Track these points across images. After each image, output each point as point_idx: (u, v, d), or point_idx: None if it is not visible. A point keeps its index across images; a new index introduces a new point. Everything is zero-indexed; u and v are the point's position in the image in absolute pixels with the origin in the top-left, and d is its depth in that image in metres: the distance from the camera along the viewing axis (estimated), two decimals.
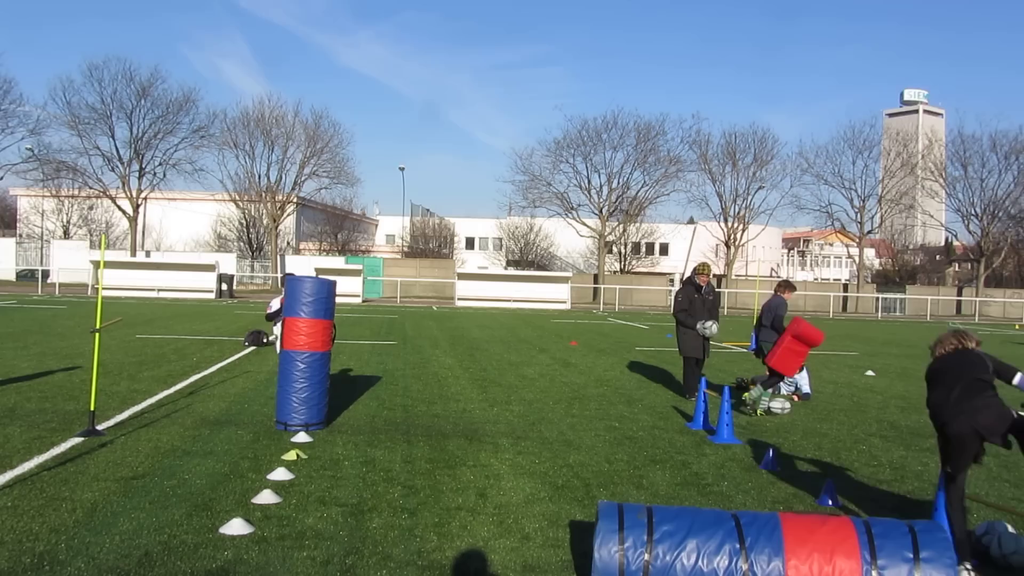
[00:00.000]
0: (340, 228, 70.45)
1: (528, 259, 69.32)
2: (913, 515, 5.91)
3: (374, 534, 5.18)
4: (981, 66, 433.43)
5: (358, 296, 41.65)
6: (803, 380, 11.47)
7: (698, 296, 11.24)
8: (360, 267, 44.67)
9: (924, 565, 3.79)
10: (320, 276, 8.63)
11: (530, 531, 5.35)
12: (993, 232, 57.18)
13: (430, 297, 49.58)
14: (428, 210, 76.61)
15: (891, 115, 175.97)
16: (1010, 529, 5.19)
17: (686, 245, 73.39)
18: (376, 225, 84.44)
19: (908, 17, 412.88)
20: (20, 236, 60.35)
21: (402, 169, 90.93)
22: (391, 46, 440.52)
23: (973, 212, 56.92)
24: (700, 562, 3.92)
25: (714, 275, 60.29)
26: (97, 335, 8.08)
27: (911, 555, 3.82)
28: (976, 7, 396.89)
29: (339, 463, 6.95)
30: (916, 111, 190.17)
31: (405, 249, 69.11)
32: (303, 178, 55.96)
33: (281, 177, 55.20)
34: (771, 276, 73.70)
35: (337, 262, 51.77)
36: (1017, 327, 40.08)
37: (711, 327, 11.03)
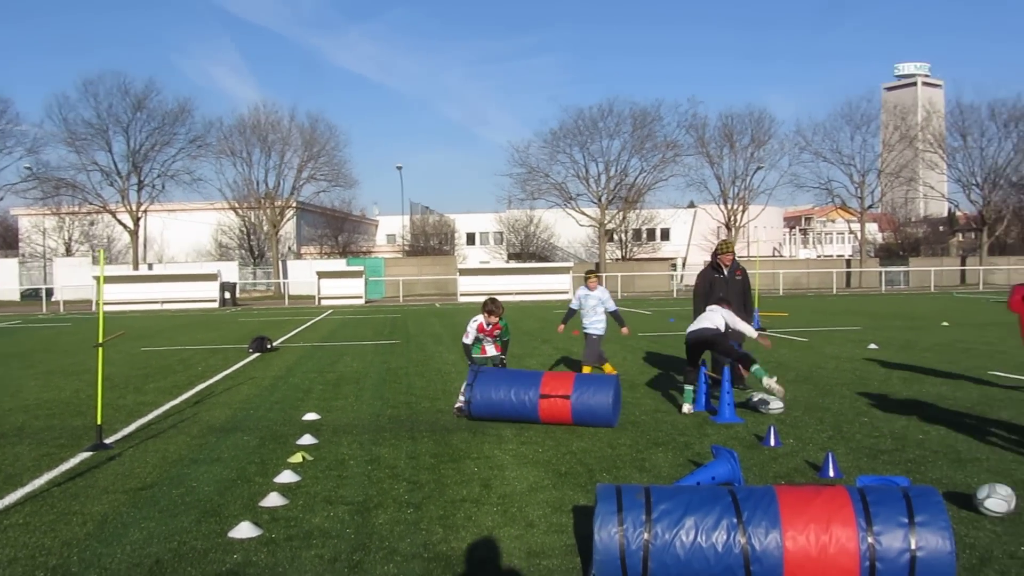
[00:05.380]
0: (340, 230, 70.55)
1: (529, 251, 69.37)
2: (915, 483, 5.96)
3: (380, 529, 5.25)
4: (977, 37, 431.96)
5: (360, 297, 41.75)
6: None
7: (719, 277, 10.20)
8: (362, 268, 44.74)
9: (919, 529, 3.84)
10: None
11: (534, 518, 5.41)
12: (995, 200, 56.99)
13: (432, 294, 49.66)
14: (427, 208, 76.55)
15: (889, 88, 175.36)
16: (998, 488, 5.25)
17: (687, 229, 73.33)
18: (376, 225, 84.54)
19: None
20: (23, 256, 60.46)
21: (399, 168, 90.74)
22: (382, 45, 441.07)
23: (974, 181, 56.71)
24: (699, 538, 3.98)
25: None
26: (100, 349, 8.15)
27: (906, 520, 3.87)
28: None
29: (344, 463, 7.02)
30: (915, 84, 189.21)
31: (406, 248, 69.16)
32: (301, 182, 56.11)
33: (279, 182, 55.35)
34: (773, 256, 73.64)
35: (339, 264, 51.88)
36: None
37: None
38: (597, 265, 53.72)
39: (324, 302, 41.27)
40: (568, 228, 63.10)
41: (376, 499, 5.92)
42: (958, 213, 72.29)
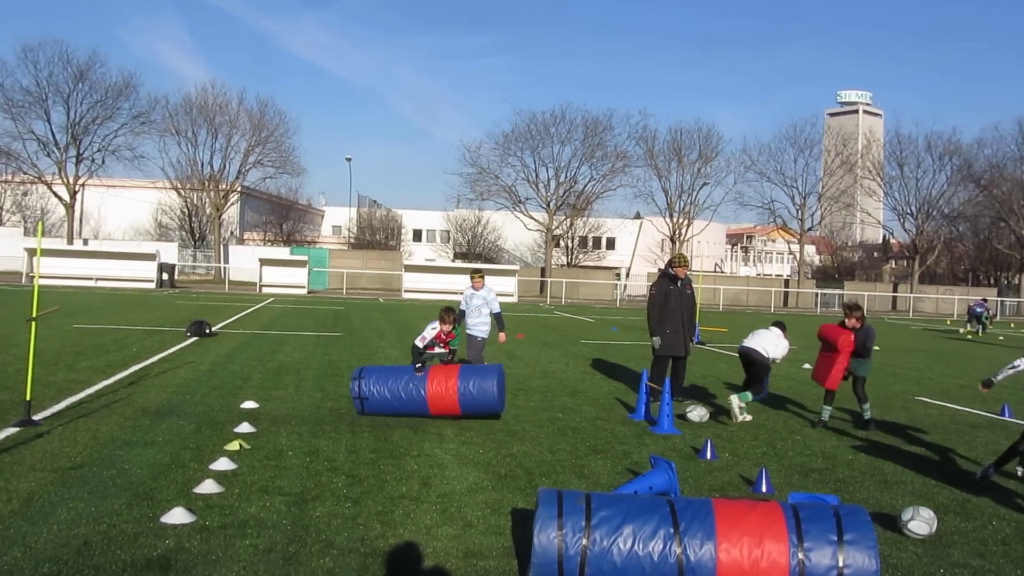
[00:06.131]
0: (285, 218, 69.58)
1: (475, 252, 69.32)
2: (844, 502, 6.14)
3: (317, 522, 5.21)
4: (917, 69, 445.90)
5: (303, 287, 41.23)
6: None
7: (674, 288, 10.34)
8: (305, 258, 44.22)
9: (848, 547, 3.97)
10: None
11: (472, 519, 5.43)
12: (927, 230, 58.91)
13: (376, 289, 49.28)
14: (375, 201, 76.10)
15: (832, 115, 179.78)
16: (921, 511, 5.45)
17: (632, 240, 74.07)
18: (322, 216, 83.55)
19: (847, 18, 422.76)
20: None
21: (349, 160, 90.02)
22: (335, 33, 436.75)
23: (908, 211, 58.62)
24: (636, 546, 4.04)
25: (659, 269, 61.09)
26: (33, 324, 7.92)
27: (835, 537, 3.99)
28: (911, 11, 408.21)
29: (283, 453, 6.95)
30: (856, 111, 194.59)
31: (351, 240, 68.51)
32: (247, 167, 55.16)
33: (225, 165, 54.35)
34: (715, 271, 74.88)
35: (282, 253, 51.13)
36: (948, 323, 41.38)
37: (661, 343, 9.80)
38: (543, 270, 53.97)
39: (265, 290, 40.62)
40: (515, 231, 63.26)
41: (314, 491, 5.87)
42: (892, 241, 74.48)
